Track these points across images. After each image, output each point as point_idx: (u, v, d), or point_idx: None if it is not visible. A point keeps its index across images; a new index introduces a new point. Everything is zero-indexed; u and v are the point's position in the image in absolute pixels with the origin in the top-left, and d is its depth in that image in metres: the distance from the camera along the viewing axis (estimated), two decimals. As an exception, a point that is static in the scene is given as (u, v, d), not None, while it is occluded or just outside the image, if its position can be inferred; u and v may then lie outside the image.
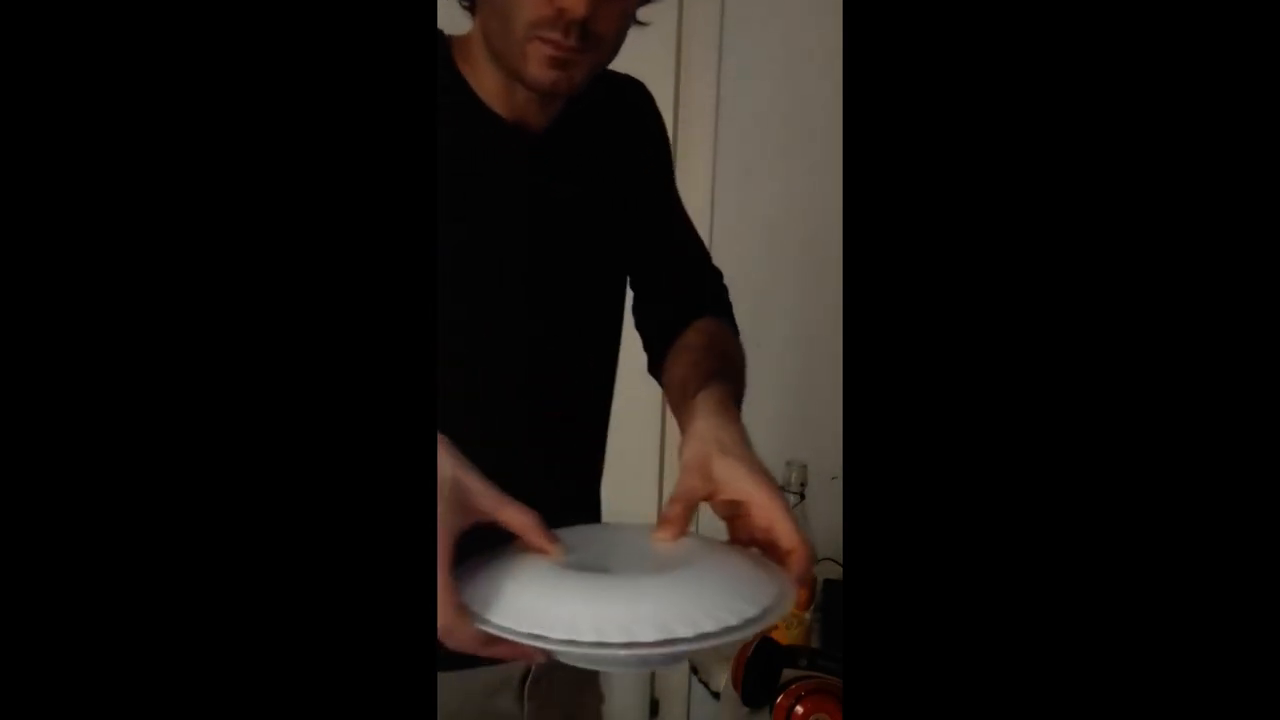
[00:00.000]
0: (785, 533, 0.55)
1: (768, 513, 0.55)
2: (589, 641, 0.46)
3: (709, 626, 0.46)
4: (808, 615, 1.21)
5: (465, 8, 0.70)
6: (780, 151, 1.66)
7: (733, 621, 0.47)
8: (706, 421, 0.60)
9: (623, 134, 0.80)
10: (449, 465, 0.52)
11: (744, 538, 0.58)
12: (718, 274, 0.90)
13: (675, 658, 0.47)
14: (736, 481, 0.56)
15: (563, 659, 0.49)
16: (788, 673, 1.03)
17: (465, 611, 0.50)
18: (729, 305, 0.88)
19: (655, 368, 0.85)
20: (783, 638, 1.17)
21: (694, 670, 1.38)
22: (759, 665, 1.03)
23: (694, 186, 1.70)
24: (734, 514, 0.58)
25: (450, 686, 0.72)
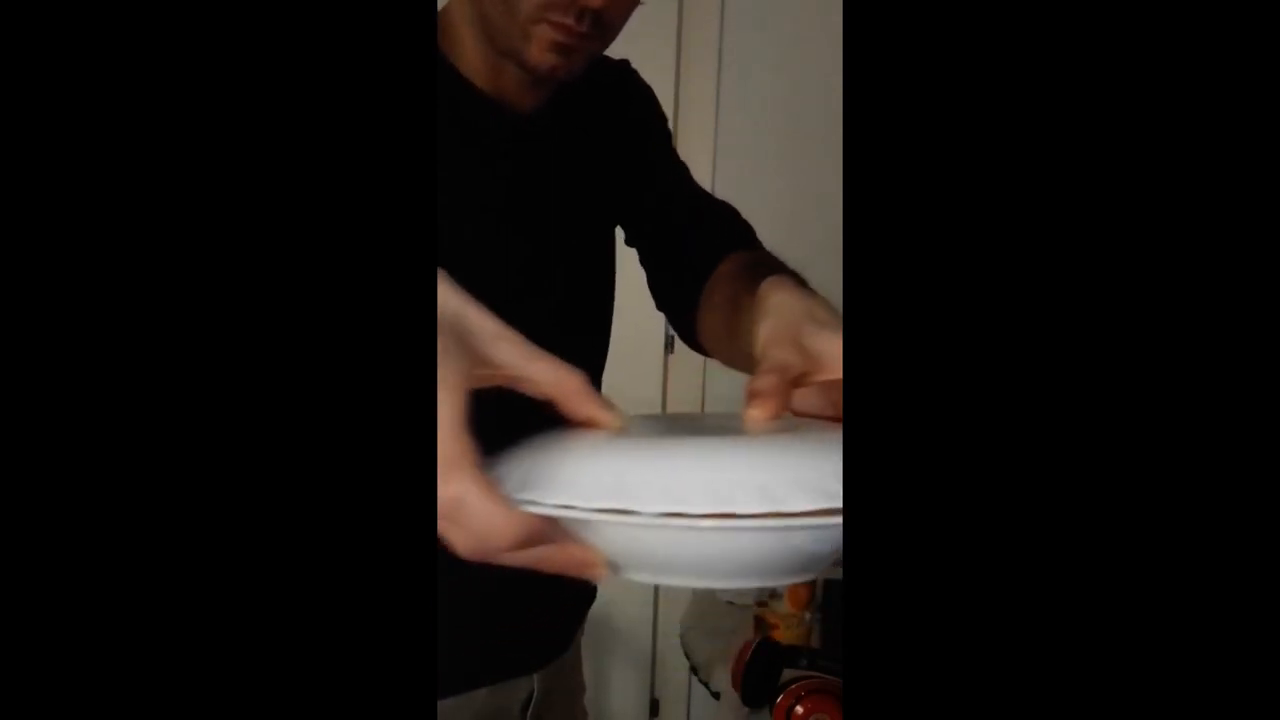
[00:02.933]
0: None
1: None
2: (708, 513, 0.31)
3: None
4: (808, 615, 1.21)
5: None
6: (780, 149, 1.66)
7: None
8: (788, 295, 0.47)
9: (615, 116, 0.75)
10: (453, 299, 0.37)
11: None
12: (735, 212, 0.78)
13: (828, 529, 0.34)
14: (841, 359, 0.41)
15: (625, 566, 0.35)
16: (788, 673, 1.03)
17: (494, 484, 0.33)
18: (758, 240, 0.75)
19: (690, 330, 0.73)
20: (783, 638, 1.17)
21: (694, 670, 1.38)
22: (759, 665, 1.03)
23: (694, 186, 1.70)
24: (835, 401, 0.44)
25: (448, 716, 0.68)
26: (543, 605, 0.75)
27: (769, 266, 0.60)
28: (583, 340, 0.76)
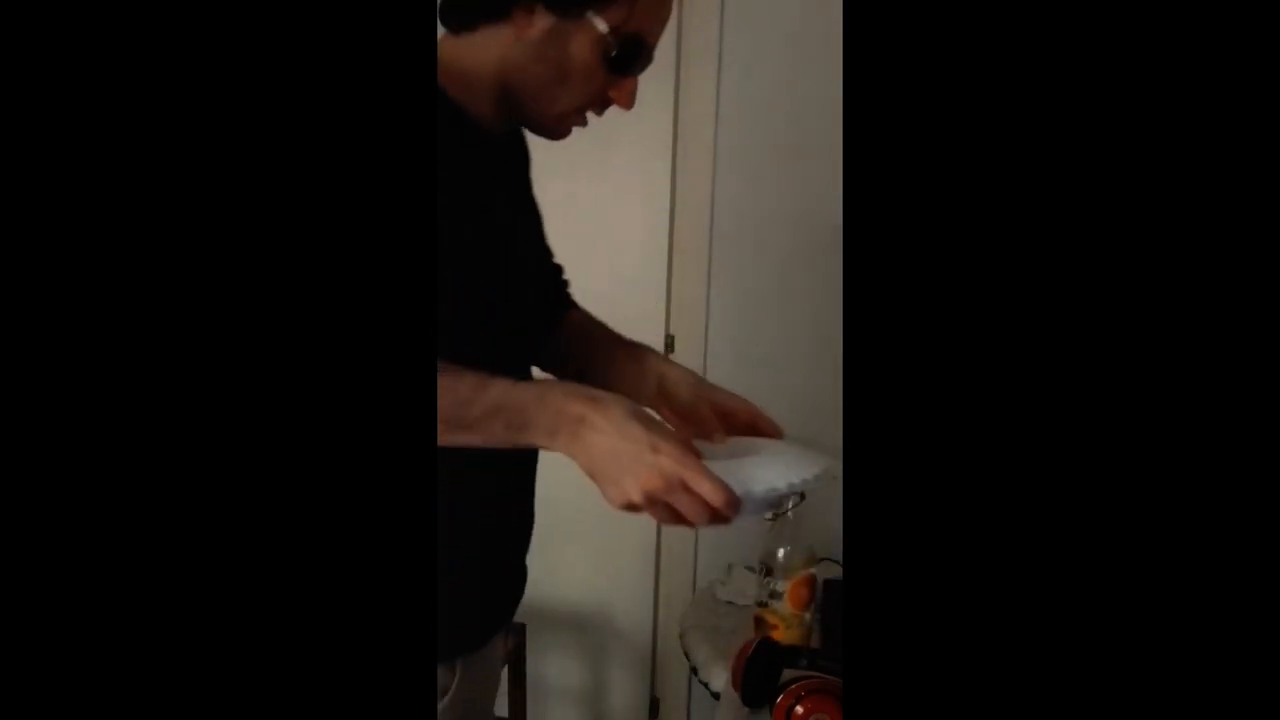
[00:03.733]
0: (767, 422, 0.84)
1: (749, 412, 0.84)
2: (807, 478, 0.69)
3: (820, 468, 0.72)
4: (808, 615, 1.21)
5: (452, 31, 0.79)
6: (780, 151, 1.66)
7: (822, 467, 0.72)
8: (674, 369, 0.87)
9: (520, 143, 0.94)
10: (633, 406, 0.67)
11: (732, 432, 0.84)
12: (560, 270, 1.04)
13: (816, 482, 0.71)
14: (724, 400, 0.84)
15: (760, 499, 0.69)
16: (788, 673, 1.03)
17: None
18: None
19: (534, 354, 0.96)
20: (783, 638, 1.17)
21: (694, 670, 1.38)
22: (759, 665, 1.03)
23: (694, 186, 1.70)
24: (725, 420, 0.84)
25: (474, 664, 0.88)
26: (519, 565, 0.96)
27: (617, 335, 0.95)
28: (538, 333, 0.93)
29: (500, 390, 0.66)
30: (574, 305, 1.02)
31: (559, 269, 1.02)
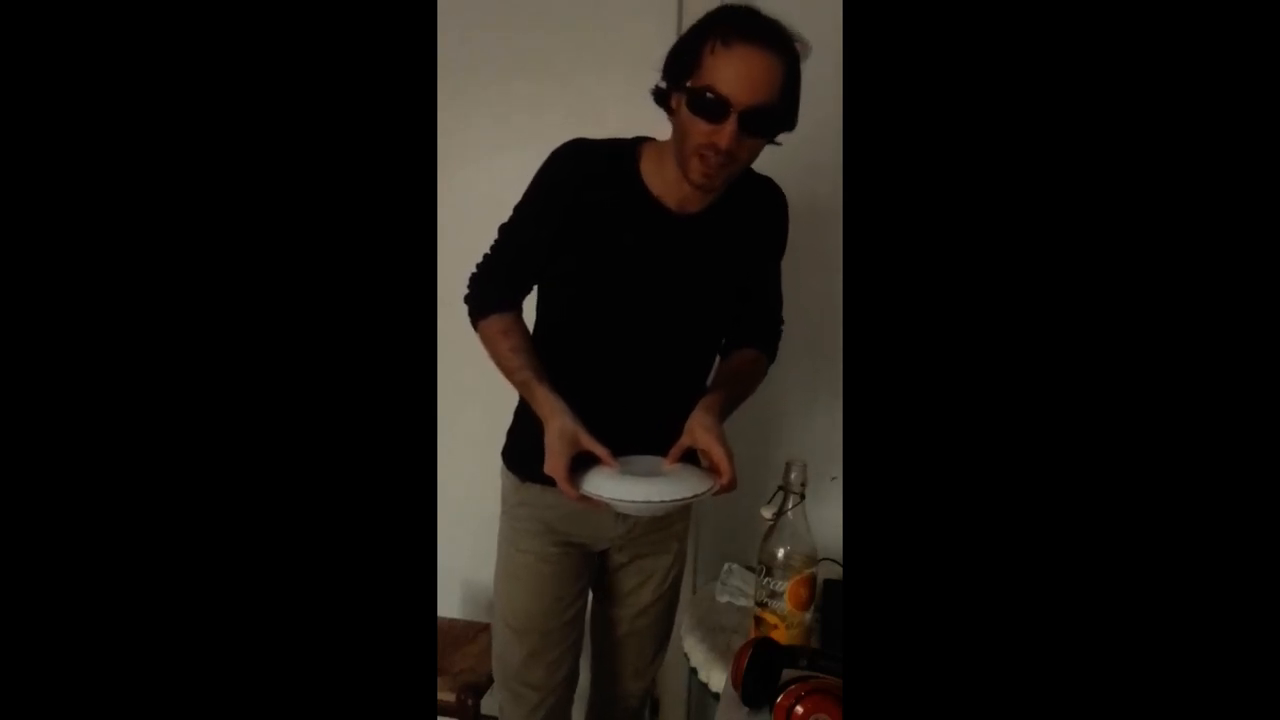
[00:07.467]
0: (722, 465, 1.12)
1: (718, 457, 1.12)
2: (632, 500, 1.09)
3: (676, 495, 1.10)
4: (808, 615, 1.21)
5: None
6: (779, 151, 1.66)
7: (686, 494, 1.10)
8: (699, 415, 1.16)
9: (751, 219, 1.23)
10: (568, 421, 1.12)
11: (705, 465, 1.16)
12: (780, 322, 1.36)
13: (662, 508, 1.12)
14: (702, 442, 1.14)
15: (617, 507, 1.11)
16: (788, 673, 1.03)
17: (575, 484, 1.11)
18: (774, 340, 1.35)
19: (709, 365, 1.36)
20: (783, 638, 1.17)
21: (694, 670, 1.38)
22: (759, 665, 1.03)
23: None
24: (705, 455, 1.15)
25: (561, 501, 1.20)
26: None
27: (729, 378, 1.26)
28: (694, 356, 1.28)
29: (527, 375, 1.16)
30: (749, 346, 1.30)
31: (767, 319, 1.33)
